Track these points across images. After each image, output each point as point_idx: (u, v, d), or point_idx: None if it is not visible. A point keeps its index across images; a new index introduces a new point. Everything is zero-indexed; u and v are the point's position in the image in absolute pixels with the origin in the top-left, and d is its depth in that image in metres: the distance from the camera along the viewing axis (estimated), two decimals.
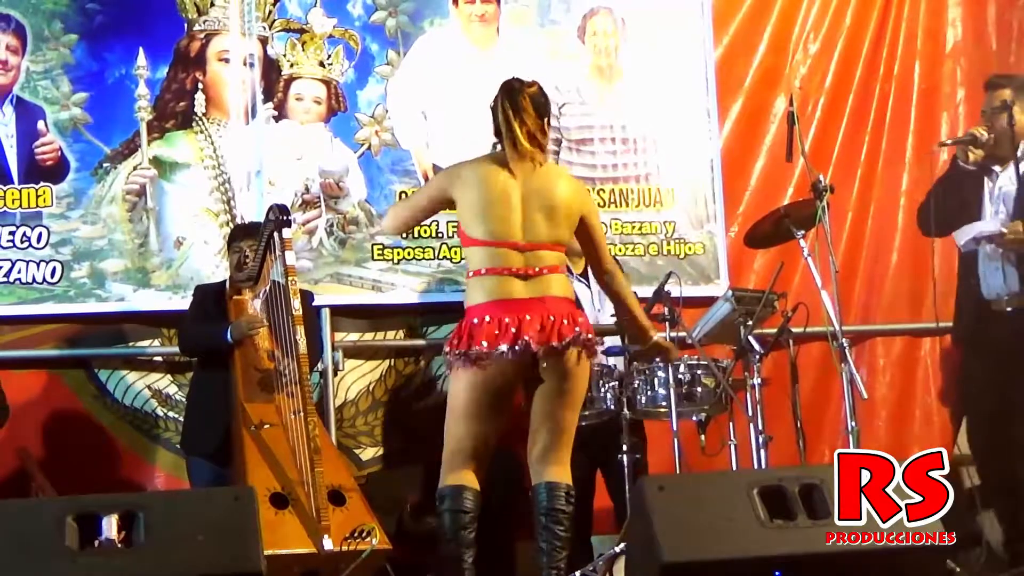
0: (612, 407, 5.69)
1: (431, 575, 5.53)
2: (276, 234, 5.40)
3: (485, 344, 4.68)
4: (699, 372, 5.76)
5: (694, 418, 5.87)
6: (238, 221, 6.47)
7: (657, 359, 5.51)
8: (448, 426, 4.84)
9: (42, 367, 6.44)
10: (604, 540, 6.06)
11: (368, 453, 6.69)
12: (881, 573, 4.03)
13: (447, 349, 4.81)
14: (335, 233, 6.67)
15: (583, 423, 5.72)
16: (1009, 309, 5.94)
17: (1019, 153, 5.97)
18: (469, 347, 4.70)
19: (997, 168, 6.06)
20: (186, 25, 6.67)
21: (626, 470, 5.60)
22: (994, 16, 7.59)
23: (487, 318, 4.72)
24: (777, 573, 3.89)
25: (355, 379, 6.70)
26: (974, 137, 6.00)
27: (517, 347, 4.69)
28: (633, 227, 6.93)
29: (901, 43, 7.42)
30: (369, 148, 6.78)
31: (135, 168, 6.53)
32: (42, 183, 6.44)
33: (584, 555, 5.69)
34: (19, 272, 6.37)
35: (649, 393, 5.76)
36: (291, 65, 6.75)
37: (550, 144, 5.27)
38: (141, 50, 6.58)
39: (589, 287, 6.10)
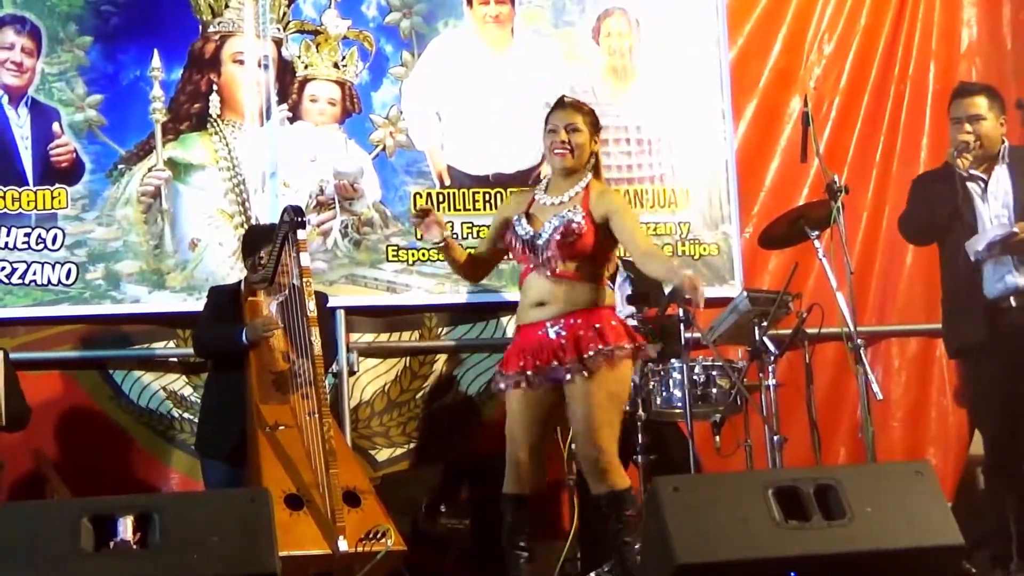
0: (627, 408, 5.68)
1: None
2: (291, 236, 5.41)
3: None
4: (714, 373, 5.77)
5: (709, 419, 5.87)
6: (253, 223, 6.48)
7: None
8: (616, 420, 4.92)
9: (57, 368, 6.45)
10: None
11: (383, 454, 6.68)
12: (896, 574, 4.02)
13: (635, 349, 4.95)
14: (350, 234, 6.68)
15: None
16: (1015, 304, 5.81)
17: (1003, 156, 5.86)
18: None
19: (981, 174, 5.92)
20: (200, 27, 6.68)
21: (641, 471, 5.60)
22: (1009, 16, 7.57)
23: None
24: (792, 574, 3.89)
25: (370, 380, 6.70)
26: (967, 144, 5.86)
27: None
28: (648, 228, 6.89)
29: (916, 43, 7.40)
30: (384, 149, 6.78)
31: (150, 170, 6.54)
32: (57, 185, 6.46)
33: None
34: (34, 274, 6.39)
35: (664, 394, 5.77)
36: (305, 67, 6.76)
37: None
38: (156, 52, 6.60)
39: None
